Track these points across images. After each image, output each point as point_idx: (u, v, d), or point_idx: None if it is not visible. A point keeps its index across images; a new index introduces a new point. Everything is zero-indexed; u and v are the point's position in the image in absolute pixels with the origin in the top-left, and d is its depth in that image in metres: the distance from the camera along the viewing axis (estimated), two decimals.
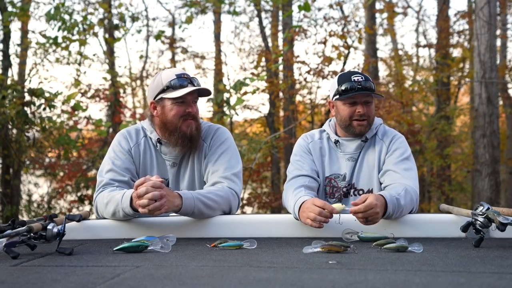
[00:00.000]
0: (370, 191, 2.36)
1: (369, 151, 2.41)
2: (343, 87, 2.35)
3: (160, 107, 2.28)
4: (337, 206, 1.98)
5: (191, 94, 2.25)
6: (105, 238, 2.10)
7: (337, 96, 2.39)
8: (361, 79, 2.33)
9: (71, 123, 7.83)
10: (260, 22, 10.80)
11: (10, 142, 7.19)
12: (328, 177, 2.43)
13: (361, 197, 1.97)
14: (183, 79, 2.24)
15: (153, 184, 1.94)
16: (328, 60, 8.90)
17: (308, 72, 9.20)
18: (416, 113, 11.54)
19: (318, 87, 10.05)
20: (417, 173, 2.33)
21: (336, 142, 2.43)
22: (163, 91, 2.25)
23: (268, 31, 11.13)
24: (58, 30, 7.19)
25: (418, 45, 12.80)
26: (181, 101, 2.25)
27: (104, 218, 2.19)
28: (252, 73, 9.75)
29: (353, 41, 9.87)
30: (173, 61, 12.65)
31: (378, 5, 11.09)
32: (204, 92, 2.31)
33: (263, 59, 10.28)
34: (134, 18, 10.05)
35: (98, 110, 16.21)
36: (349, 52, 10.08)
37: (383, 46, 15.23)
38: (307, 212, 2.00)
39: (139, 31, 11.49)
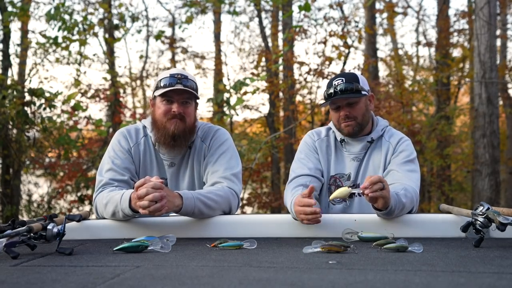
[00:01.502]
0: None
1: (375, 152, 2.41)
2: (326, 94, 2.38)
3: (154, 104, 2.33)
4: (343, 190, 1.99)
5: (179, 94, 2.24)
6: (105, 238, 2.10)
7: (323, 104, 2.43)
8: (341, 83, 2.34)
9: (71, 123, 7.83)
10: (260, 22, 10.80)
11: (10, 142, 7.19)
12: (333, 176, 2.43)
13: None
14: (174, 78, 2.24)
15: (153, 185, 1.94)
16: (328, 59, 8.90)
17: (308, 72, 9.20)
18: (416, 113, 11.55)
19: (318, 87, 10.05)
20: (419, 177, 2.34)
21: (342, 141, 2.43)
22: (156, 89, 2.29)
23: (268, 31, 11.13)
24: (58, 30, 7.19)
25: (418, 43, 12.80)
26: (168, 99, 2.25)
27: (104, 218, 2.19)
28: (252, 73, 9.75)
29: (353, 41, 9.87)
30: (173, 61, 12.65)
31: (378, 5, 11.09)
32: (192, 94, 2.27)
33: (263, 59, 10.28)
34: (134, 18, 10.05)
35: (98, 110, 16.24)
36: (349, 52, 10.08)
37: (383, 46, 15.24)
38: (297, 214, 2.04)
39: (139, 31, 11.51)
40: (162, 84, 2.25)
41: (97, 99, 10.25)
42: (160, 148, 2.33)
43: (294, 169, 2.41)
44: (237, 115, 8.45)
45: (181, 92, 2.24)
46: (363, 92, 2.37)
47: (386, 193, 1.94)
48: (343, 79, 2.36)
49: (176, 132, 2.25)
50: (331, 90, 2.34)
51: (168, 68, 12.32)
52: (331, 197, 2.05)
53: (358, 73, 2.46)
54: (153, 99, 2.34)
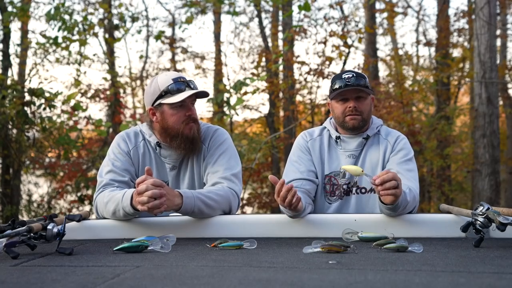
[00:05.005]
0: (373, 189, 2.35)
1: (372, 149, 2.41)
2: (334, 86, 2.39)
3: (159, 112, 2.27)
4: (357, 169, 2.00)
5: (189, 97, 2.24)
6: (105, 238, 2.09)
7: (331, 95, 2.42)
8: (351, 76, 2.36)
9: (71, 123, 7.83)
10: (260, 22, 10.81)
11: (10, 142, 7.19)
12: (327, 175, 2.42)
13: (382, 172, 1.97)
14: (180, 83, 2.23)
15: (154, 182, 1.94)
16: (328, 59, 8.91)
17: (308, 72, 9.20)
18: (416, 113, 11.55)
19: (318, 87, 10.06)
20: (417, 175, 2.35)
21: (338, 138, 2.43)
22: (161, 96, 2.24)
23: (268, 31, 11.14)
24: (58, 30, 7.19)
25: (418, 42, 12.81)
26: (180, 105, 2.24)
27: (104, 218, 2.19)
28: (252, 73, 9.76)
29: (353, 41, 9.87)
30: (173, 61, 12.66)
31: (378, 5, 11.10)
32: (202, 94, 2.30)
33: (263, 59, 10.29)
34: (134, 18, 10.05)
35: (98, 110, 16.25)
36: (349, 52, 10.09)
37: (383, 46, 15.24)
38: (280, 204, 2.01)
39: (139, 31, 11.49)
40: (171, 90, 2.21)
41: (97, 99, 10.26)
42: (161, 151, 2.33)
43: (287, 173, 2.41)
44: (237, 115, 8.46)
45: (191, 95, 2.24)
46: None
47: (399, 192, 1.94)
48: (354, 74, 2.38)
49: (194, 136, 2.26)
50: (341, 83, 2.35)
51: (168, 69, 12.36)
52: (343, 167, 2.07)
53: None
54: (155, 106, 2.27)
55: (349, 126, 2.39)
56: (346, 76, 2.37)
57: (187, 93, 2.22)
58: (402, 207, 2.04)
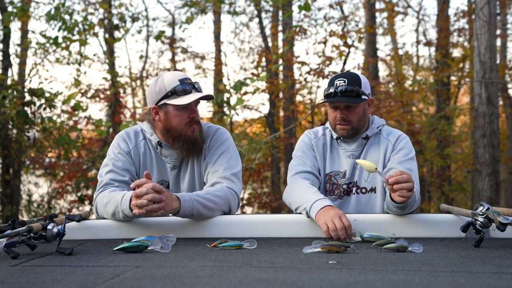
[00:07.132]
0: (373, 189, 2.37)
1: (372, 149, 2.41)
2: (326, 92, 2.38)
3: (163, 112, 2.25)
4: (371, 166, 2.00)
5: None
6: (105, 238, 2.10)
7: (321, 100, 2.43)
8: (343, 84, 2.33)
9: (71, 123, 7.83)
10: (260, 22, 10.81)
11: (10, 142, 7.19)
12: (328, 174, 2.43)
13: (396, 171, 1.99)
14: (187, 85, 2.22)
15: (153, 187, 1.94)
16: (328, 59, 8.91)
17: (309, 72, 9.20)
18: (416, 113, 11.55)
19: (318, 87, 10.07)
20: (418, 175, 2.35)
21: (338, 138, 2.44)
22: (166, 96, 2.22)
23: (268, 31, 11.14)
24: (59, 30, 7.19)
25: (418, 42, 12.81)
26: (184, 106, 2.23)
27: (104, 218, 2.19)
28: (252, 73, 9.76)
29: (353, 41, 9.87)
30: (173, 61, 12.66)
31: (378, 5, 11.09)
32: (208, 97, 2.30)
33: (263, 59, 10.29)
34: (134, 18, 10.05)
35: (98, 110, 16.27)
36: (349, 52, 10.08)
37: (383, 46, 15.24)
38: (330, 221, 1.97)
39: (139, 31, 11.50)
40: (177, 91, 2.19)
41: (97, 99, 10.27)
42: (162, 151, 2.32)
43: (293, 166, 2.41)
44: (237, 115, 8.46)
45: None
46: (363, 97, 2.36)
47: (411, 194, 1.96)
48: (346, 80, 2.34)
49: (196, 138, 2.26)
50: (332, 90, 2.34)
51: (169, 69, 12.36)
52: (358, 161, 2.08)
53: (361, 75, 2.43)
54: (159, 106, 2.24)
55: (339, 135, 2.41)
56: (338, 82, 2.34)
57: (194, 96, 2.20)
58: (409, 207, 2.06)
